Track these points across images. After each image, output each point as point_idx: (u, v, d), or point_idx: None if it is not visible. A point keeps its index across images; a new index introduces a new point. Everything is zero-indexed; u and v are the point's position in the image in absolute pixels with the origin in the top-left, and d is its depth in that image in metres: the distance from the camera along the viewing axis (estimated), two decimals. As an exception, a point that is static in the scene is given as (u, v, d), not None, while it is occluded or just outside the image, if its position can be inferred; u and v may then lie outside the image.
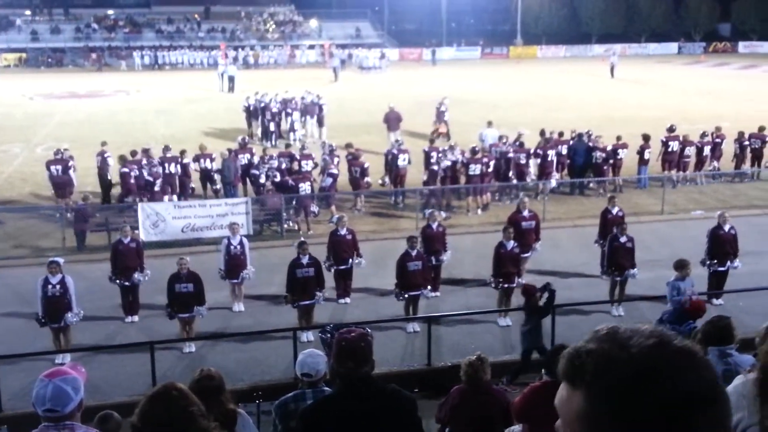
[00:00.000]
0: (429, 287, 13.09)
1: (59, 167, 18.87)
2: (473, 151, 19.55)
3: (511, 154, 20.06)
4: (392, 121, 25.74)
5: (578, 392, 1.32)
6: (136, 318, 13.24)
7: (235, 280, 13.46)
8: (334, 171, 18.89)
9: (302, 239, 13.29)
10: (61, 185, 18.92)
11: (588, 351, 1.32)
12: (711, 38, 74.50)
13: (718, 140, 22.13)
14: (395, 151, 20.03)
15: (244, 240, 13.79)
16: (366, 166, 19.31)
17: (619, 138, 21.14)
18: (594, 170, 20.87)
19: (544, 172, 20.20)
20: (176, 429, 3.25)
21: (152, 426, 3.27)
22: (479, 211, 19.04)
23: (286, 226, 17.79)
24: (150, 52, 60.46)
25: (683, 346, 1.32)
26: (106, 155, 19.47)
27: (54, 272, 11.45)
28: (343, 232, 13.70)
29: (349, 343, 3.95)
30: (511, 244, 12.94)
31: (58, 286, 11.41)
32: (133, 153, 19.31)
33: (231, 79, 41.70)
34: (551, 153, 20.22)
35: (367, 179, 19.28)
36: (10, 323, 13.07)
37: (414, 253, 12.55)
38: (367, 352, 3.99)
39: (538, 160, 20.42)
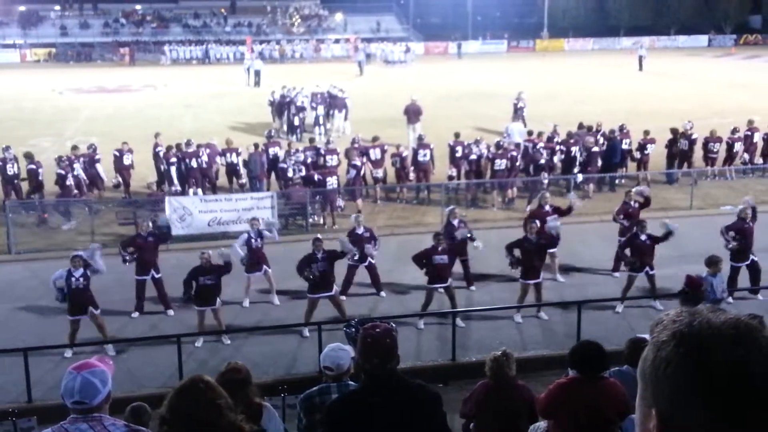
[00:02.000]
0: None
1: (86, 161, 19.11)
2: (498, 146, 19.48)
3: (473, 156, 19.60)
4: (411, 113, 25.69)
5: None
6: (171, 312, 13.37)
7: (258, 273, 13.58)
8: (357, 163, 18.90)
9: (318, 235, 13.30)
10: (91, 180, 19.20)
11: (667, 313, 1.42)
12: (742, 30, 73.25)
13: (748, 133, 21.78)
14: (414, 146, 20.07)
15: (264, 233, 13.85)
16: (405, 155, 19.76)
17: (647, 132, 20.88)
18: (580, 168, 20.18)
19: (568, 168, 19.97)
20: (204, 421, 3.28)
21: (180, 418, 3.30)
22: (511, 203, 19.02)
23: (311, 220, 17.85)
24: (200, 46, 60.70)
25: (747, 323, 1.33)
26: (158, 149, 19.76)
27: (77, 266, 11.66)
28: (361, 230, 13.82)
29: (375, 339, 3.94)
30: (534, 238, 12.87)
31: (81, 279, 11.63)
32: (169, 148, 19.58)
33: (257, 74, 41.92)
34: (575, 149, 20.00)
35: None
36: (40, 315, 13.27)
37: (440, 247, 12.53)
38: (393, 348, 3.98)
39: (563, 156, 20.23)
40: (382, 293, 13.93)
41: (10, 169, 18.64)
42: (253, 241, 13.49)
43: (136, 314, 13.28)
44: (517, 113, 26.28)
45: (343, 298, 13.47)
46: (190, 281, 12.09)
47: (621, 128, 21.25)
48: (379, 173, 19.82)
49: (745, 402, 1.26)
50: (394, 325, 4.32)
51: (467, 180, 19.59)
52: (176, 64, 57.63)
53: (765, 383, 1.27)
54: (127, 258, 13.24)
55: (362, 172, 19.22)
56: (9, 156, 18.80)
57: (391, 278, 14.43)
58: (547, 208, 14.38)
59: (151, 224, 14.07)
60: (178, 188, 18.97)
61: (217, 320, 12.30)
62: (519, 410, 6.76)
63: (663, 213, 17.17)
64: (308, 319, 12.33)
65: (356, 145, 19.87)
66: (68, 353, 11.52)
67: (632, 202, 14.58)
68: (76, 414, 3.51)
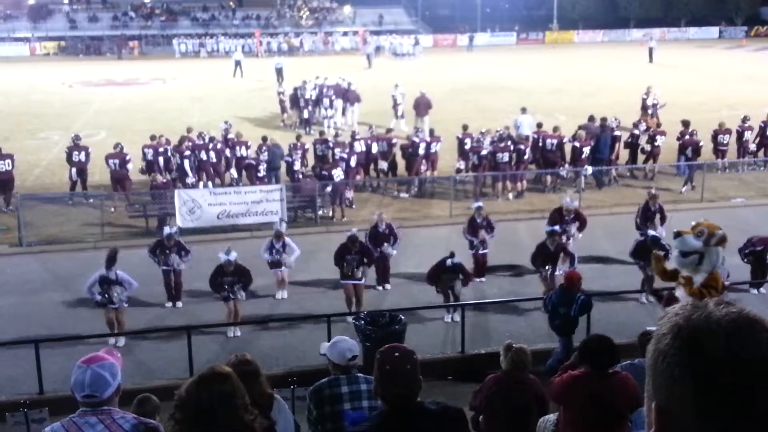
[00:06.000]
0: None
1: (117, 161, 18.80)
2: (517, 139, 19.58)
3: (484, 151, 19.34)
4: (421, 106, 25.62)
5: None
6: (179, 304, 13.43)
7: (279, 270, 13.57)
8: (344, 156, 18.78)
9: (353, 230, 13.08)
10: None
11: (674, 306, 1.41)
12: (753, 22, 72.63)
13: (760, 125, 21.62)
14: (415, 139, 19.92)
15: (288, 241, 13.53)
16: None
17: (659, 125, 20.79)
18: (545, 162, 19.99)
19: (575, 161, 19.86)
20: (218, 415, 3.26)
21: (195, 408, 3.29)
22: (510, 196, 18.94)
23: (320, 212, 17.85)
24: (246, 40, 60.31)
25: (748, 316, 1.32)
26: (164, 147, 19.75)
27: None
28: (382, 227, 13.74)
29: (394, 366, 3.59)
30: (553, 247, 12.79)
31: (124, 301, 11.83)
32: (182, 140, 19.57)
33: (279, 71, 37.93)
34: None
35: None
36: (50, 307, 13.34)
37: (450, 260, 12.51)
38: (414, 374, 3.61)
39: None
40: (387, 286, 13.95)
41: (76, 156, 19.20)
42: (273, 250, 13.29)
43: (168, 304, 13.42)
44: (645, 110, 24.97)
45: (388, 287, 13.80)
46: (216, 282, 12.15)
47: (616, 119, 21.11)
48: (384, 166, 19.77)
49: (738, 397, 1.24)
50: (406, 319, 4.25)
51: (475, 173, 19.55)
52: (185, 56, 57.59)
53: (759, 378, 1.25)
54: (158, 260, 13.25)
55: (353, 165, 18.97)
56: (79, 144, 19.56)
57: (398, 269, 14.42)
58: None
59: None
60: (194, 179, 18.95)
61: (235, 309, 12.29)
62: (529, 404, 6.74)
63: (672, 206, 17.10)
64: (350, 308, 12.48)
65: (357, 138, 19.83)
66: (114, 340, 11.84)
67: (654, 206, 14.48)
68: (86, 407, 3.52)
